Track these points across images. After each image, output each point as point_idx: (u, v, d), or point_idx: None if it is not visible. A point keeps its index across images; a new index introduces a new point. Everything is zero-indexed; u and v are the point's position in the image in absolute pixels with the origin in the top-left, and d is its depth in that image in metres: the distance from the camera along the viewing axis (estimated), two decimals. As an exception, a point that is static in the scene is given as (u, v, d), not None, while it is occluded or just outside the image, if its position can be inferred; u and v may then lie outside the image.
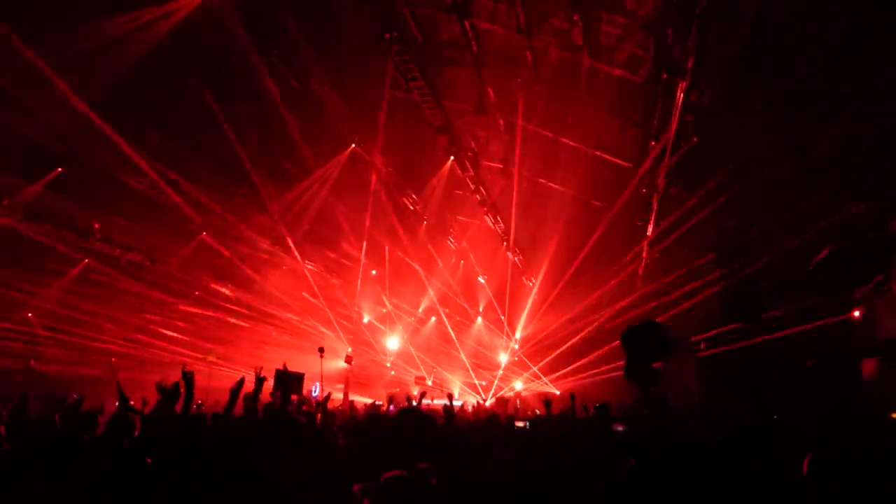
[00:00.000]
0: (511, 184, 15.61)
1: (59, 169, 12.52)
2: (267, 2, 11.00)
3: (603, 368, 15.57)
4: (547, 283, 17.87)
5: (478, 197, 15.63)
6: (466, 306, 21.14)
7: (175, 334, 17.45)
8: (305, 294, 18.82)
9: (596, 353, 16.31)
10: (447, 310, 20.50)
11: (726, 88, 10.33)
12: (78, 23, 9.47)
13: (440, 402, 12.62)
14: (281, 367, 8.06)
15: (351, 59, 12.44)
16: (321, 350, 10.10)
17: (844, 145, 9.22)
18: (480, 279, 21.08)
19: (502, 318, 20.77)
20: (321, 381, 10.14)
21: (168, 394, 4.14)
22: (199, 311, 17.67)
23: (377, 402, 14.80)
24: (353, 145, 14.93)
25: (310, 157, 14.82)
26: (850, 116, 8.97)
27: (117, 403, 5.45)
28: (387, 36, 10.37)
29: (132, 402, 5.54)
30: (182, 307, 17.39)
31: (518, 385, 20.05)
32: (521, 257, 18.62)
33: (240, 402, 4.86)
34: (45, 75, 9.53)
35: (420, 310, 21.49)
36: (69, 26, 9.36)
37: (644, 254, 14.93)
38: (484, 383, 20.72)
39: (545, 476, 3.66)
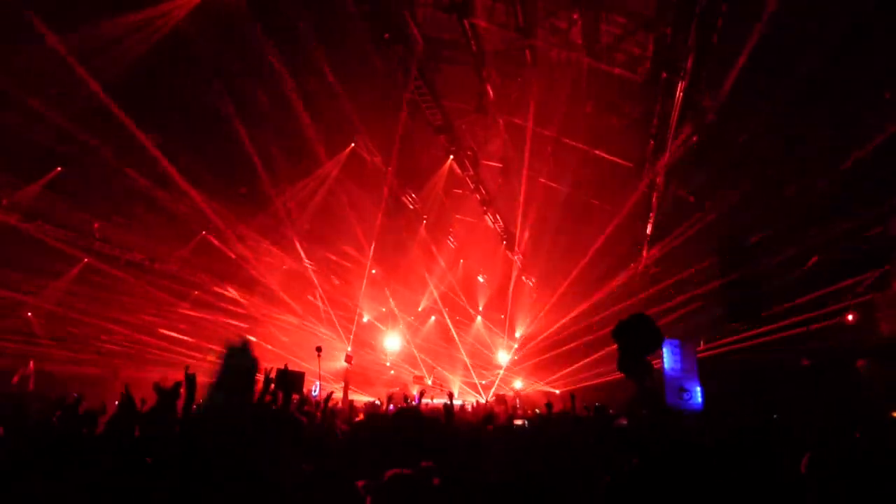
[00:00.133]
0: (510, 183, 15.62)
1: (59, 168, 12.51)
2: (266, 2, 10.99)
3: (603, 369, 15.57)
4: (547, 282, 17.88)
5: (477, 196, 15.64)
6: (466, 305, 21.16)
7: (175, 334, 17.45)
8: (305, 294, 18.83)
9: (594, 355, 16.32)
10: (447, 309, 20.51)
11: (726, 87, 10.33)
12: (78, 22, 9.46)
13: (440, 400, 12.62)
14: (282, 367, 8.04)
15: (350, 59, 12.42)
16: (318, 349, 10.12)
17: (845, 144, 9.23)
18: (480, 278, 21.10)
19: (502, 317, 20.79)
20: (319, 379, 10.15)
21: (166, 395, 4.13)
22: (199, 311, 17.67)
23: (376, 402, 14.80)
24: (353, 144, 14.94)
25: (309, 157, 14.81)
26: (850, 115, 8.98)
27: (117, 403, 5.43)
28: (386, 35, 10.37)
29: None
30: (182, 307, 17.39)
31: (518, 384, 20.06)
32: (520, 256, 18.63)
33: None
34: (45, 75, 9.53)
35: (420, 309, 21.50)
36: (69, 26, 9.36)
37: (644, 253, 14.94)
38: (484, 382, 20.74)
39: (545, 476, 3.67)
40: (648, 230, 14.06)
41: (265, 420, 4.61)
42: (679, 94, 10.03)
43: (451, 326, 20.41)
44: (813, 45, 8.38)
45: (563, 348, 18.09)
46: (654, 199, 13.12)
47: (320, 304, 19.07)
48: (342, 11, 11.16)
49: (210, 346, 16.85)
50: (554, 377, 18.66)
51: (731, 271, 12.08)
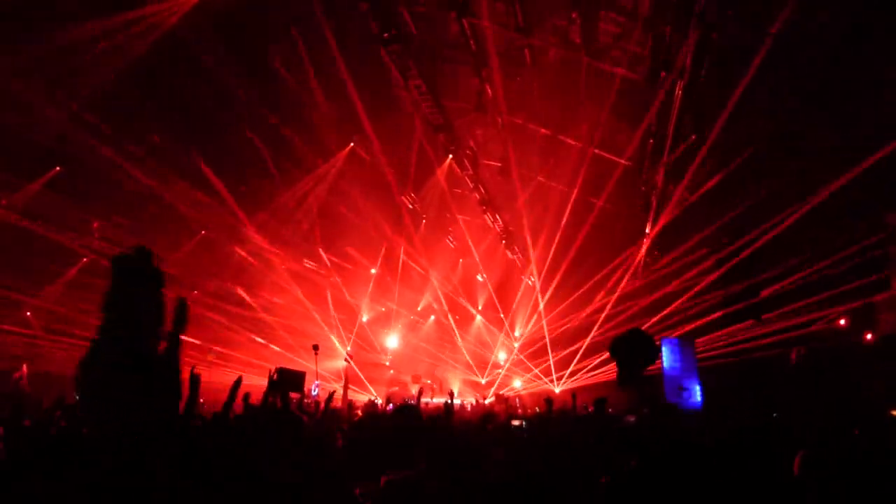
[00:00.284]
0: (510, 182, 15.60)
1: (58, 168, 12.50)
2: (266, 1, 10.98)
3: (603, 369, 15.59)
4: (546, 281, 17.88)
5: (477, 195, 15.62)
6: (466, 305, 21.16)
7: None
8: (304, 293, 18.82)
9: (594, 354, 16.33)
10: (447, 308, 20.51)
11: (725, 86, 10.33)
12: (78, 21, 9.45)
13: (440, 399, 12.62)
14: (282, 366, 8.07)
15: (350, 58, 12.41)
16: (315, 347, 10.15)
17: (845, 143, 9.24)
18: (479, 277, 21.09)
19: (502, 316, 20.79)
20: (317, 377, 10.17)
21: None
22: (198, 311, 17.64)
23: (376, 401, 14.81)
24: (352, 144, 14.93)
25: (309, 156, 14.81)
26: (850, 114, 8.98)
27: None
28: (385, 35, 10.35)
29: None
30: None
31: (518, 384, 20.07)
32: (520, 256, 18.63)
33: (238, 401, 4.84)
34: (44, 74, 9.52)
35: (419, 308, 21.50)
36: (68, 25, 9.34)
37: (643, 252, 14.94)
38: (484, 382, 20.74)
39: (545, 476, 3.67)
40: (648, 230, 14.06)
41: (266, 420, 4.61)
42: (678, 92, 10.02)
43: (451, 326, 20.41)
44: (813, 43, 8.39)
45: (563, 348, 18.09)
46: (653, 198, 13.13)
47: (319, 302, 19.06)
48: (342, 11, 11.15)
49: (209, 345, 16.86)
50: (554, 377, 18.67)
51: (732, 271, 12.10)
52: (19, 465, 3.65)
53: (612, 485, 2.45)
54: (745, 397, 10.36)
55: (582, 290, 17.03)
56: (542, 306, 18.35)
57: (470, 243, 18.78)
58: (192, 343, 17.01)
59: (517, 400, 17.60)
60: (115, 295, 2.91)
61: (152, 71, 10.71)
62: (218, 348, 17.08)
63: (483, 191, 15.56)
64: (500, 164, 15.97)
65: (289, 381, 6.82)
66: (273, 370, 5.14)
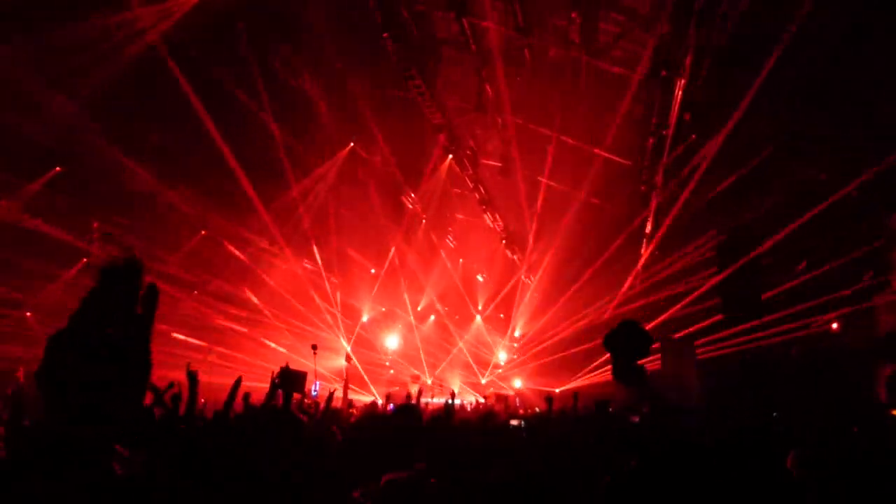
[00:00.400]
0: (510, 182, 15.61)
1: (58, 168, 12.50)
2: (266, 1, 10.98)
3: (604, 369, 15.57)
4: (546, 281, 17.89)
5: (476, 195, 15.63)
6: (467, 304, 21.16)
7: (174, 334, 17.42)
8: (305, 293, 18.82)
9: (594, 353, 16.30)
10: (446, 308, 20.51)
11: (725, 85, 10.33)
12: (78, 21, 9.45)
13: (441, 399, 12.62)
14: (283, 366, 8.04)
15: (349, 58, 12.42)
16: (314, 347, 10.16)
17: (844, 142, 9.23)
18: (479, 277, 21.10)
19: (501, 316, 20.79)
20: (315, 377, 10.18)
21: (161, 395, 4.11)
22: (198, 311, 17.65)
23: (376, 401, 14.81)
24: (352, 144, 14.93)
25: (309, 156, 14.80)
26: (849, 113, 8.98)
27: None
28: (385, 34, 10.36)
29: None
30: (181, 306, 17.37)
31: (518, 383, 20.07)
32: (520, 255, 18.63)
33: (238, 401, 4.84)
34: (44, 74, 9.52)
35: (419, 308, 21.50)
36: (68, 24, 9.34)
37: (643, 252, 14.94)
38: (484, 381, 20.74)
39: (545, 476, 3.66)
40: (648, 229, 14.06)
41: (266, 420, 4.61)
42: (678, 91, 10.02)
43: (451, 325, 20.41)
44: (812, 41, 8.39)
45: (564, 348, 18.09)
46: (652, 197, 13.13)
47: (318, 302, 19.05)
48: (341, 11, 11.16)
49: (210, 345, 16.86)
50: (554, 376, 18.67)
51: (731, 271, 12.08)
52: (19, 465, 3.65)
53: (612, 485, 2.45)
54: (746, 397, 10.36)
55: (581, 290, 17.02)
56: (541, 306, 18.37)
57: (475, 243, 18.82)
58: (193, 343, 17.04)
59: (517, 400, 17.62)
60: (92, 293, 2.87)
61: (152, 71, 10.71)
62: (218, 348, 17.07)
63: (483, 191, 15.57)
64: (500, 164, 15.99)
65: (291, 380, 6.79)
66: (275, 373, 5.12)
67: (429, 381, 19.64)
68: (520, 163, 14.92)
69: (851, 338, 10.87)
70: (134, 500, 3.32)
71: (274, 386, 4.91)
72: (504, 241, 17.86)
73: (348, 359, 17.19)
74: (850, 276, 10.74)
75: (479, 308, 21.60)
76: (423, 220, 17.62)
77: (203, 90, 11.64)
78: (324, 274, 19.31)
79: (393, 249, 19.13)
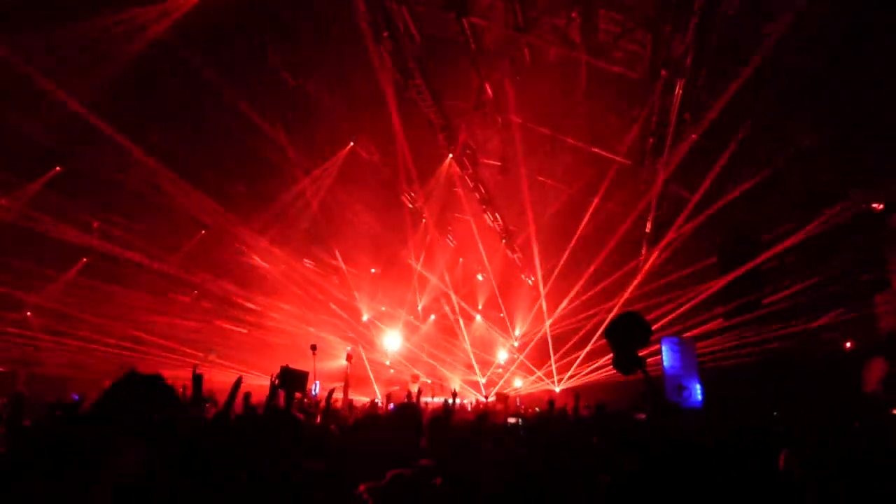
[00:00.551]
0: (510, 181, 15.59)
1: (58, 168, 12.50)
2: (266, 1, 10.97)
3: (605, 369, 15.59)
4: (546, 281, 17.89)
5: (476, 194, 15.62)
6: (466, 304, 21.16)
7: (174, 333, 17.44)
8: (305, 293, 18.83)
9: (595, 353, 16.32)
10: (447, 307, 20.50)
11: (725, 85, 10.32)
12: (78, 20, 9.44)
13: (441, 399, 12.61)
14: (284, 366, 8.04)
15: (349, 58, 12.40)
16: (313, 347, 10.16)
17: (844, 143, 9.23)
18: (479, 277, 21.10)
19: (502, 315, 20.79)
20: (315, 377, 10.16)
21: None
22: (198, 310, 17.66)
23: (376, 401, 14.81)
24: (352, 143, 14.93)
25: (309, 156, 14.80)
26: (849, 113, 8.97)
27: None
28: (385, 34, 10.35)
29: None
30: (181, 306, 17.38)
31: (518, 383, 20.08)
32: (520, 255, 18.62)
33: (238, 401, 4.84)
34: (44, 74, 9.52)
35: (419, 307, 21.50)
36: (67, 24, 9.33)
37: (643, 251, 14.94)
38: (484, 381, 20.75)
39: (545, 476, 3.66)
40: (648, 228, 14.06)
41: (266, 420, 4.60)
42: (678, 91, 10.01)
43: (451, 325, 20.41)
44: (812, 42, 8.38)
45: (563, 348, 18.09)
46: (653, 198, 13.12)
47: (319, 303, 19.05)
48: (341, 10, 11.14)
49: (209, 345, 16.86)
50: (554, 376, 18.68)
51: (732, 270, 12.09)
52: (19, 465, 3.65)
53: (612, 485, 2.45)
54: (746, 397, 10.36)
55: (582, 290, 17.03)
56: (541, 306, 18.37)
57: (475, 242, 18.79)
58: (192, 342, 17.06)
59: (517, 399, 17.63)
60: None
61: (152, 71, 10.71)
62: (219, 348, 17.08)
63: (483, 190, 15.56)
64: (500, 164, 15.97)
65: (292, 380, 6.79)
66: (274, 376, 5.12)
67: (429, 381, 19.65)
68: (520, 162, 14.90)
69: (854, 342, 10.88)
70: (134, 500, 3.32)
71: (274, 387, 4.90)
72: (504, 241, 17.85)
73: (349, 358, 17.19)
74: (851, 276, 10.75)
75: (479, 307, 21.61)
76: (424, 220, 17.61)
77: (203, 90, 11.64)
78: (324, 273, 19.32)
79: (393, 249, 19.14)
